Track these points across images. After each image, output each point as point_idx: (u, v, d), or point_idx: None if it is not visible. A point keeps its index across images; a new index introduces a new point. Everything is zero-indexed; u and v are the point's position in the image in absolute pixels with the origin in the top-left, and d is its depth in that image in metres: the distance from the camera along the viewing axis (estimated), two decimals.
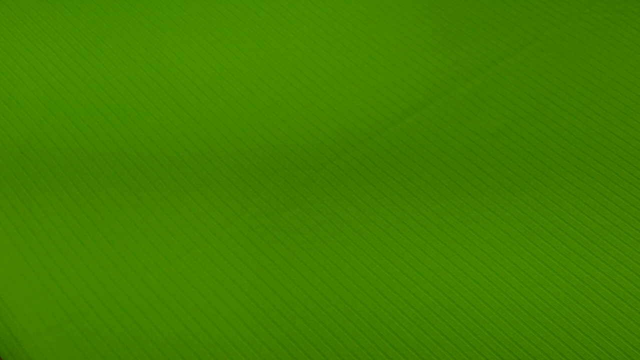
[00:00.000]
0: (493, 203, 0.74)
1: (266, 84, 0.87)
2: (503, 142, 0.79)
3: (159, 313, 0.68)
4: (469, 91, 0.84)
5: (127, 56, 0.90)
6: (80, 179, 0.78)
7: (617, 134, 0.79)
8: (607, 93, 0.83)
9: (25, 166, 0.80)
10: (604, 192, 0.74)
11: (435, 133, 0.80)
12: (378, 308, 0.68)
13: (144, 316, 0.68)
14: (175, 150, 0.80)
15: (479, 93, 0.84)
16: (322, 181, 0.77)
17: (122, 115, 0.84)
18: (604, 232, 0.71)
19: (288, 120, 0.83)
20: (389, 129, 0.81)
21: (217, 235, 0.73)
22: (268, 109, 0.84)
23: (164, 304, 0.69)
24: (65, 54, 0.91)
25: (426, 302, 0.68)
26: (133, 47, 0.91)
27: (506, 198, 0.75)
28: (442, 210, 0.74)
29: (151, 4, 0.96)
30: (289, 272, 0.70)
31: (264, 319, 0.68)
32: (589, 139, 0.79)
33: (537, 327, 0.66)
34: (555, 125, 0.80)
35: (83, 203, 0.76)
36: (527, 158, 0.77)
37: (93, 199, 0.77)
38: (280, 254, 0.72)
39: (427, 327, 0.67)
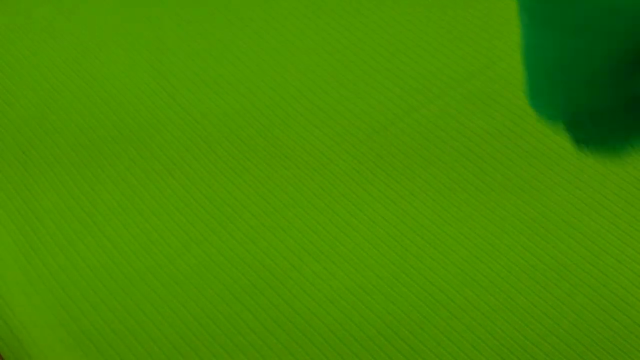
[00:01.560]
0: (492, 203, 0.74)
1: (266, 84, 0.87)
2: (503, 142, 0.79)
3: (160, 312, 0.68)
4: (468, 91, 0.84)
5: (127, 56, 0.90)
6: (81, 179, 0.78)
7: None
8: None
9: (27, 166, 0.80)
10: (602, 191, 0.75)
11: (435, 133, 0.80)
12: (379, 308, 0.68)
13: (145, 316, 0.68)
14: (175, 150, 0.80)
15: (478, 93, 0.84)
16: (322, 181, 0.77)
17: (122, 114, 0.84)
18: (604, 232, 0.72)
19: (288, 119, 0.83)
20: (389, 128, 0.81)
21: (218, 235, 0.73)
22: (268, 108, 0.84)
23: (164, 304, 0.69)
24: (66, 53, 0.91)
25: (427, 302, 0.68)
26: (133, 46, 0.91)
27: (505, 198, 0.75)
28: (441, 210, 0.74)
29: (152, 4, 0.96)
30: (289, 273, 0.71)
31: (264, 319, 0.68)
32: None
33: (536, 325, 0.66)
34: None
35: (84, 202, 0.76)
36: (526, 158, 0.78)
37: (94, 198, 0.77)
38: (280, 254, 0.72)
39: (428, 327, 0.67)
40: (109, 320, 0.68)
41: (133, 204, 0.76)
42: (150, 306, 0.69)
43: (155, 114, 0.84)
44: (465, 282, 0.69)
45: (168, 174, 0.78)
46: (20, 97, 0.86)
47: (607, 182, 0.75)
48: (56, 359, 0.66)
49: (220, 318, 0.68)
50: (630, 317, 0.67)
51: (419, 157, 0.79)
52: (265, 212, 0.75)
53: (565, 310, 0.67)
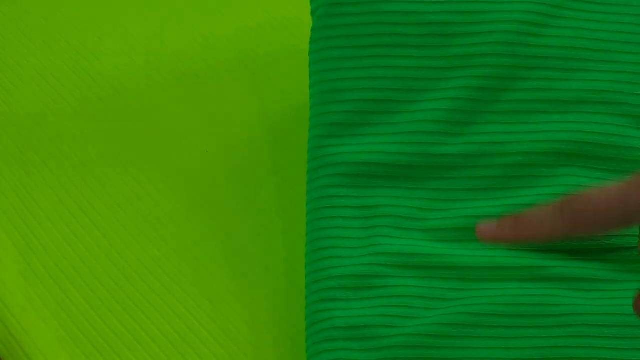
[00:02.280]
0: None
1: (265, 84, 0.87)
2: None
3: (160, 312, 0.68)
4: None
5: (127, 56, 0.90)
6: (80, 179, 0.78)
7: None
8: None
9: (25, 166, 0.79)
10: None
11: None
12: None
13: (144, 316, 0.68)
14: (175, 151, 0.80)
15: None
16: None
17: (122, 115, 0.84)
18: None
19: (288, 119, 0.83)
20: None
21: (218, 235, 0.73)
22: (268, 108, 0.84)
23: (164, 304, 0.69)
24: (65, 53, 0.91)
25: None
26: (133, 47, 0.91)
27: None
28: None
29: (152, 3, 0.96)
30: (290, 274, 0.70)
31: (266, 319, 0.68)
32: None
33: None
34: None
35: (82, 203, 0.76)
36: None
37: (93, 198, 0.76)
38: (281, 255, 0.72)
39: None
40: (109, 321, 0.68)
41: (131, 204, 0.76)
42: (150, 306, 0.68)
43: (154, 114, 0.84)
44: None
45: (167, 174, 0.78)
46: (18, 97, 0.86)
47: None
48: (54, 359, 0.66)
49: (221, 318, 0.68)
50: None
51: None
52: (265, 212, 0.75)
53: None
